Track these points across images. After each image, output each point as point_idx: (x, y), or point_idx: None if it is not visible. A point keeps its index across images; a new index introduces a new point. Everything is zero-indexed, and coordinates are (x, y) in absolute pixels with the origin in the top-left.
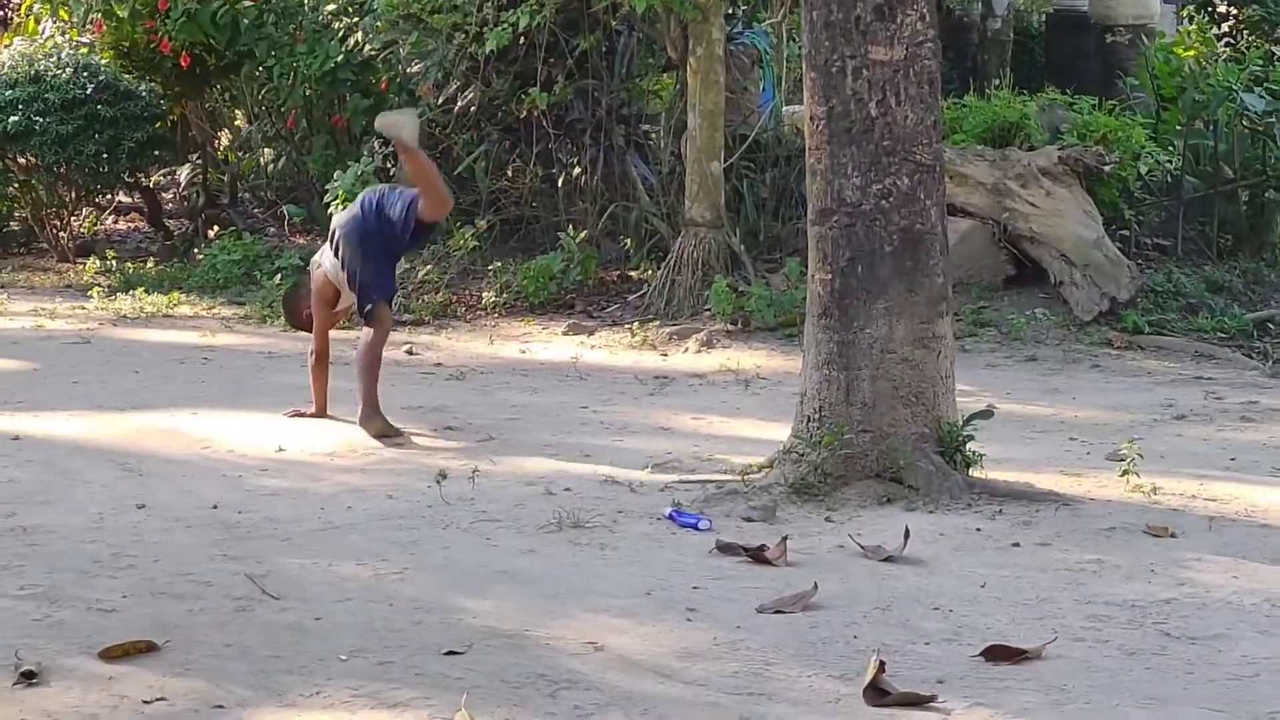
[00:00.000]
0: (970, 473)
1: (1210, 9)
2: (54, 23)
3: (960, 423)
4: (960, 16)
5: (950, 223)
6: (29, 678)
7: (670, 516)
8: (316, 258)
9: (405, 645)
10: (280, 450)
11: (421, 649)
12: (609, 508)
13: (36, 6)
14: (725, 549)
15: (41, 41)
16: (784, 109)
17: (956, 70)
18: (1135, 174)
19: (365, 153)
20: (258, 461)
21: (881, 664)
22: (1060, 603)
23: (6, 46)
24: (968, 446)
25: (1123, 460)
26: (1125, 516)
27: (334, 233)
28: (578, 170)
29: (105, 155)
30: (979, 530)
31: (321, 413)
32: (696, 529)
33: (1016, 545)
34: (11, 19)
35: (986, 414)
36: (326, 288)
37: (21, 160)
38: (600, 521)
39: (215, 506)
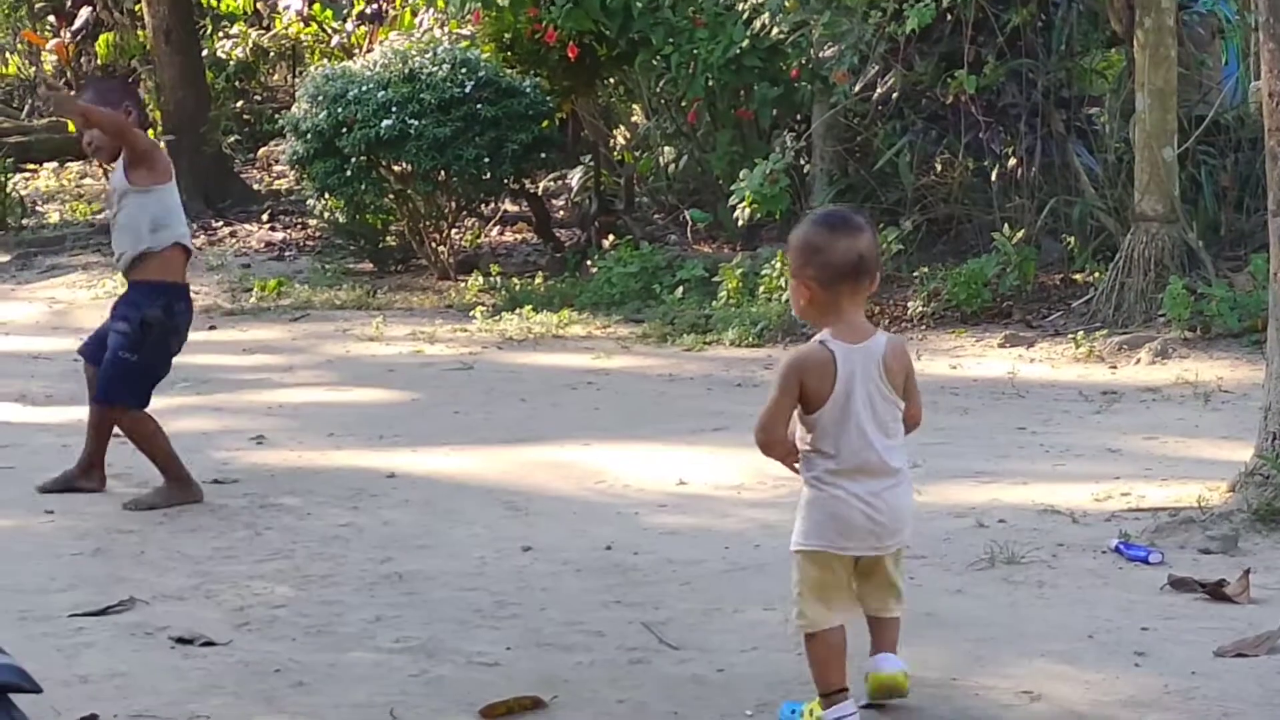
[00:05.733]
0: None
1: None
2: (432, 14)
3: None
4: None
5: None
6: None
7: (1117, 549)
8: None
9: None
10: (681, 483)
11: None
12: (1048, 540)
13: None
14: (1179, 585)
15: (418, 36)
16: (1250, 85)
17: None
18: None
19: (775, 148)
20: (656, 496)
21: None
22: None
23: (382, 42)
24: None
25: None
26: None
27: None
28: (1013, 161)
29: (487, 160)
30: None
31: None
32: (1147, 563)
33: None
34: (386, 12)
35: None
36: None
37: (396, 168)
38: (1038, 556)
39: (609, 547)
